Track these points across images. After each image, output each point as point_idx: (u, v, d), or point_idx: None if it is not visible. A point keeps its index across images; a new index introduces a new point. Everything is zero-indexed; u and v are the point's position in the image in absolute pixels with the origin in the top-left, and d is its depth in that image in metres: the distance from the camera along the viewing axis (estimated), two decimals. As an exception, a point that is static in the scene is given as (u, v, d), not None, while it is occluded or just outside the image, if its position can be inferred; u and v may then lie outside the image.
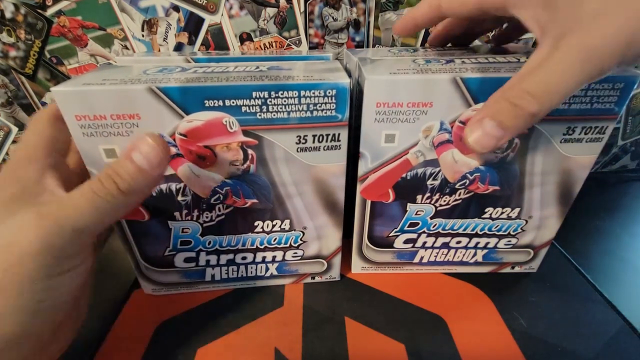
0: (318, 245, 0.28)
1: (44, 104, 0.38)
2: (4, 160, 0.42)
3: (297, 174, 0.24)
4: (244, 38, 0.36)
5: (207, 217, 0.25)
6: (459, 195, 0.26)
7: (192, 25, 0.35)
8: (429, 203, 0.27)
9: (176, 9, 0.34)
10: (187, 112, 0.21)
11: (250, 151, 0.23)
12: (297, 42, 0.36)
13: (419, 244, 0.30)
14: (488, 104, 0.19)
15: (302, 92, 0.21)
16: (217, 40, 0.35)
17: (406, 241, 0.29)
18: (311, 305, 0.29)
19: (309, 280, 0.31)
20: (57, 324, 0.20)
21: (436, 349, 0.25)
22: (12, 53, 0.35)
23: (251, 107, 0.21)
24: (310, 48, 0.36)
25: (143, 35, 0.35)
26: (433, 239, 0.29)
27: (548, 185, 0.26)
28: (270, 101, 0.21)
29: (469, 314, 0.28)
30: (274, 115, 0.21)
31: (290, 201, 0.25)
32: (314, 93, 0.21)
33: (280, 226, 0.27)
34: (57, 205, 0.18)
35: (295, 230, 0.27)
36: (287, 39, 0.36)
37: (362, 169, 0.25)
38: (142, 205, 0.24)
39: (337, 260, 0.29)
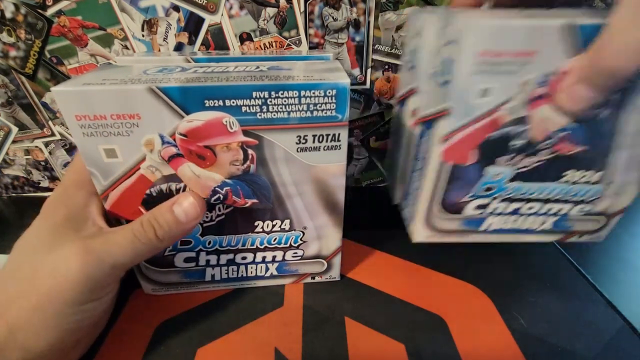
0: (318, 245, 0.28)
1: (44, 104, 0.38)
2: (4, 160, 0.42)
3: (297, 174, 0.24)
4: (244, 38, 0.36)
5: (207, 217, 0.25)
6: (542, 156, 0.24)
7: (192, 25, 0.35)
8: (510, 165, 0.25)
9: (176, 8, 0.34)
10: (187, 112, 0.21)
11: (250, 151, 0.23)
12: (297, 42, 0.36)
13: (489, 209, 0.27)
14: (580, 67, 0.19)
15: (302, 92, 0.21)
16: (217, 40, 0.35)
17: (477, 207, 0.27)
18: (311, 305, 0.29)
19: (309, 280, 0.31)
20: (79, 339, 0.23)
21: (436, 349, 0.25)
22: (12, 53, 0.35)
23: (251, 107, 0.21)
24: (310, 48, 0.36)
25: (143, 35, 0.35)
26: (505, 204, 0.27)
27: (638, 148, 0.23)
28: (271, 101, 0.21)
29: (469, 314, 0.28)
30: (274, 115, 0.21)
31: (290, 201, 0.25)
32: (314, 93, 0.21)
33: (280, 226, 0.27)
34: (101, 242, 0.21)
35: (295, 230, 0.27)
36: (287, 39, 0.36)
37: (447, 127, 0.23)
38: (142, 205, 0.24)
39: (337, 260, 0.29)
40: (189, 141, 0.22)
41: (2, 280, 0.21)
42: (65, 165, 0.43)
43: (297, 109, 0.21)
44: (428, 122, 0.25)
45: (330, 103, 0.21)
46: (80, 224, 0.22)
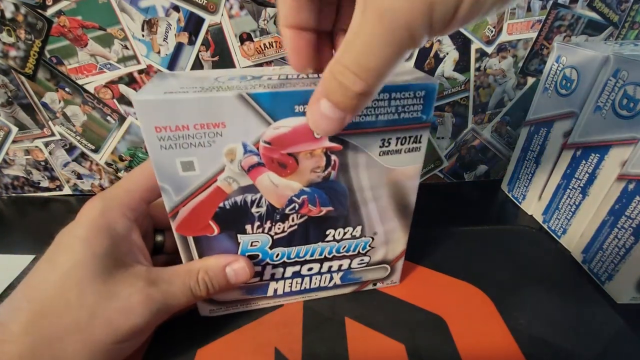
0: (385, 250, 0.27)
1: (44, 104, 0.38)
2: (4, 160, 0.42)
3: (376, 177, 0.23)
4: (244, 38, 0.36)
5: (278, 229, 0.24)
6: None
7: (192, 25, 0.35)
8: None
9: (176, 9, 0.34)
10: (275, 119, 0.20)
11: (333, 157, 0.22)
12: (297, 42, 0.36)
13: None
14: (322, 79, 0.17)
15: (393, 94, 0.20)
16: (217, 40, 0.35)
17: None
18: (311, 306, 0.29)
19: (369, 287, 0.30)
20: None
21: (436, 349, 0.25)
22: (12, 53, 0.35)
23: None
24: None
25: (143, 35, 0.35)
26: None
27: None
28: None
29: (469, 314, 0.28)
30: (363, 118, 0.21)
31: (365, 207, 0.25)
32: (403, 95, 0.20)
33: (351, 233, 0.26)
34: (162, 293, 0.22)
35: (365, 236, 0.26)
36: (287, 39, 0.36)
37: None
38: (212, 219, 0.23)
39: (399, 264, 0.29)
40: (273, 149, 0.21)
41: (52, 306, 0.20)
42: (66, 165, 0.43)
43: (385, 112, 0.21)
44: (600, 147, 0.29)
45: (417, 104, 0.21)
46: (125, 259, 0.22)
